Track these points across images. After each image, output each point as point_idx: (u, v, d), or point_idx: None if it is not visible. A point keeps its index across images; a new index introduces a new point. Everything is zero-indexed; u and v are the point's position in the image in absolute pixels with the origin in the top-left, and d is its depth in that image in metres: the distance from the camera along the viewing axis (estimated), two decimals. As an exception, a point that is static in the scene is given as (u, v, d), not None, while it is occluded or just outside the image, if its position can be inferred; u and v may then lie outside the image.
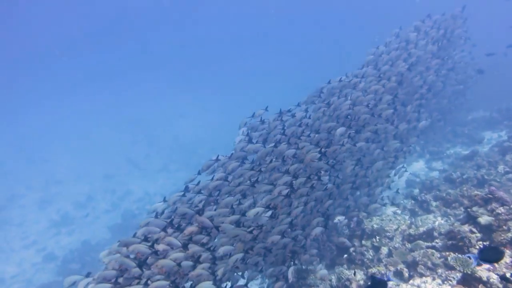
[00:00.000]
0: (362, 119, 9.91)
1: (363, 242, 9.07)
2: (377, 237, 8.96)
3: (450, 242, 6.65)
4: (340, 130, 9.21)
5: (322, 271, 8.06)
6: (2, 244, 21.40)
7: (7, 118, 44.82)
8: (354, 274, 7.16)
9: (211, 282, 5.90)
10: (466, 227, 6.63)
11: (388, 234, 9.01)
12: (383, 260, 8.01)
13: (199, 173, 8.56)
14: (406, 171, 11.94)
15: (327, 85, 10.96)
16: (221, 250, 6.62)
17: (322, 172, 8.86)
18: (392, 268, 7.08)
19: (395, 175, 11.41)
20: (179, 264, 5.99)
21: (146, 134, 37.19)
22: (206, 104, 43.30)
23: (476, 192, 7.93)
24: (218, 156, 9.04)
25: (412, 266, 6.99)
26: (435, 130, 15.67)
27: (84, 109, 45.69)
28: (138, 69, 57.46)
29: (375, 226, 9.30)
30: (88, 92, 50.58)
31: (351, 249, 8.95)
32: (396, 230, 9.11)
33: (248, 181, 7.99)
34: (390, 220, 9.57)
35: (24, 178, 29.33)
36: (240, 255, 6.84)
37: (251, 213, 7.25)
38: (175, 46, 61.19)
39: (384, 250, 8.49)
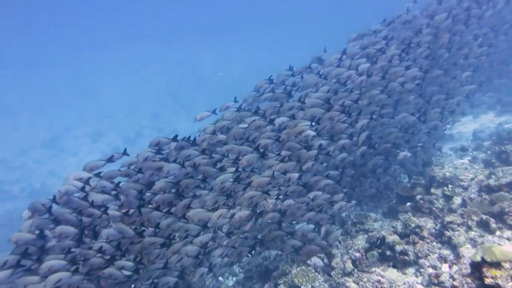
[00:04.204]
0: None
1: (432, 190, 8.26)
2: (450, 186, 8.10)
3: (553, 193, 5.73)
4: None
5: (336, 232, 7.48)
6: (60, 171, 22.70)
7: (66, 54, 46.18)
8: None
9: None
10: None
11: (462, 183, 8.13)
12: (457, 210, 7.23)
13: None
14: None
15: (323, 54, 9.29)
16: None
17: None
18: (475, 218, 6.31)
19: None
20: None
21: (194, 75, 36.97)
22: (253, 45, 41.97)
23: None
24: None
25: (499, 217, 6.17)
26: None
27: (134, 49, 45.95)
28: (187, 15, 56.38)
29: (447, 174, 8.40)
30: (139, 34, 50.64)
31: (418, 197, 8.22)
32: (472, 179, 8.20)
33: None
34: (466, 168, 8.63)
35: (78, 110, 30.51)
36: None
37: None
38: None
39: (457, 200, 7.67)
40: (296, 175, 6.79)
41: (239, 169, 6.44)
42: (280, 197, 6.68)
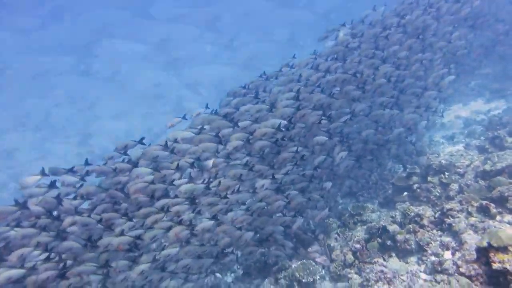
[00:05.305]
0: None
1: (429, 178, 8.23)
2: (446, 173, 8.07)
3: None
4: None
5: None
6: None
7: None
8: None
9: None
10: None
11: (459, 170, 8.11)
12: (455, 197, 7.21)
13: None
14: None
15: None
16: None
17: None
18: (475, 204, 6.28)
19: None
20: None
21: (186, 76, 36.55)
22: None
23: None
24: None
25: (498, 201, 6.16)
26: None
27: (123, 51, 45.13)
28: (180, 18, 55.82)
29: (443, 162, 8.37)
30: (131, 34, 49.85)
31: (415, 186, 8.20)
32: (468, 166, 8.19)
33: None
34: (462, 155, 8.62)
35: (65, 112, 29.97)
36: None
37: None
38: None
39: (455, 187, 7.65)
40: (269, 181, 6.72)
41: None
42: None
